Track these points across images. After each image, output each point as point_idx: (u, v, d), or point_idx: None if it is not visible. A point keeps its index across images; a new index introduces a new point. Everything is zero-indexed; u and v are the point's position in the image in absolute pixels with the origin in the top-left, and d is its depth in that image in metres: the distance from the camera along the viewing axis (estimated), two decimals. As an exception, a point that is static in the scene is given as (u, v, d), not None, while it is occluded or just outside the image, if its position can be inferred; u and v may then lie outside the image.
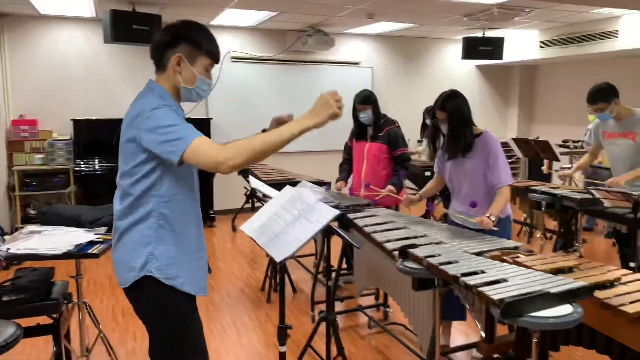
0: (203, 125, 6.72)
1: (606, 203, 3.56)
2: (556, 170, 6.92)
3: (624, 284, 1.86)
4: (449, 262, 1.84)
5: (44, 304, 2.64)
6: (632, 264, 3.26)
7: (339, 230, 2.50)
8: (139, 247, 1.75)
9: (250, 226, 2.25)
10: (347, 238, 2.46)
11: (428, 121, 6.19)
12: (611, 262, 4.90)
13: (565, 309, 1.45)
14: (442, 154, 3.01)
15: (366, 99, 3.87)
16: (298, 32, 7.20)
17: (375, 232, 2.80)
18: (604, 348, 1.75)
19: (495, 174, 2.78)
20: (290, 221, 2.06)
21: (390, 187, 3.76)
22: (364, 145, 3.99)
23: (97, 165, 6.20)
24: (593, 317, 1.73)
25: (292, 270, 4.49)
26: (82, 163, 6.15)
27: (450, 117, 2.78)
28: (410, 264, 1.91)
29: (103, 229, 2.96)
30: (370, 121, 3.91)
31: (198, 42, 1.77)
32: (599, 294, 1.71)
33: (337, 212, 1.95)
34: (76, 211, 3.13)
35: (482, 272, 1.73)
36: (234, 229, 6.49)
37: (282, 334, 2.15)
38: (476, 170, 2.86)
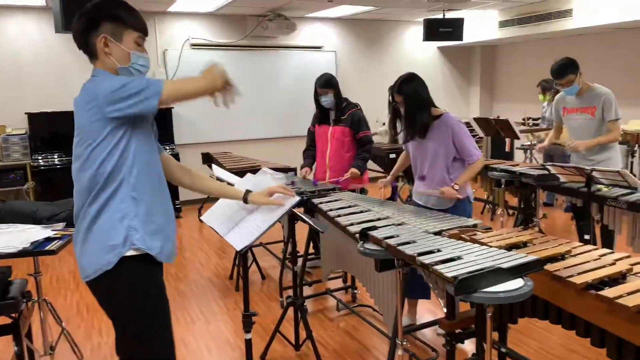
0: (164, 115, 6.60)
1: (562, 178, 3.68)
2: (518, 149, 7.10)
3: (574, 256, 1.93)
4: (407, 243, 1.87)
5: (1, 303, 2.57)
6: (586, 237, 3.38)
7: (303, 216, 2.51)
8: (115, 224, 1.69)
9: (211, 216, 2.23)
10: (311, 223, 2.47)
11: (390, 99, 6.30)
12: (570, 235, 5.09)
13: (516, 283, 1.50)
14: (404, 135, 3.07)
15: (327, 82, 3.88)
16: (259, 17, 7.10)
17: (339, 216, 2.82)
18: (556, 318, 1.81)
19: (465, 152, 2.89)
20: (251, 210, 2.05)
21: (352, 169, 3.80)
22: (328, 129, 4.00)
23: (56, 160, 6.02)
24: (545, 289, 1.79)
25: (261, 257, 4.49)
26: (40, 158, 5.96)
27: (407, 100, 2.83)
28: (370, 246, 1.93)
29: (60, 225, 2.89)
30: (332, 105, 3.92)
31: (119, 17, 1.70)
32: (549, 266, 1.78)
33: (297, 198, 1.96)
34: (32, 207, 3.02)
35: (438, 250, 1.77)
36: (200, 219, 6.43)
37: (247, 321, 2.15)
38: (436, 151, 2.92)
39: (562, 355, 2.92)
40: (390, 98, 6.61)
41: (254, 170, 4.31)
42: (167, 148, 6.56)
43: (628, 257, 1.92)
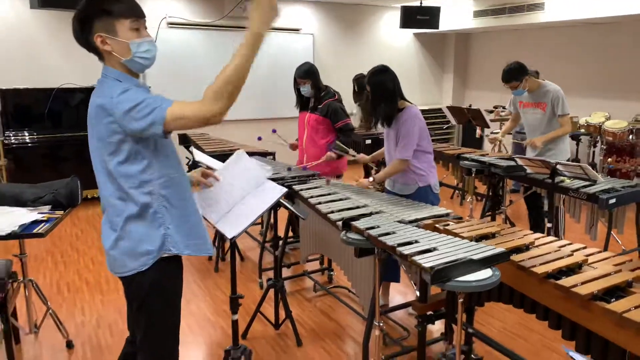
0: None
1: (528, 170, 3.90)
2: (486, 135, 7.35)
3: (537, 247, 2.12)
4: (387, 234, 2.02)
5: (-13, 284, 2.62)
6: (548, 225, 3.62)
7: (286, 203, 2.64)
8: (150, 232, 1.73)
9: (199, 204, 2.33)
10: (293, 210, 2.60)
11: (356, 87, 6.43)
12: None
13: (485, 273, 1.67)
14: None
15: (306, 72, 3.95)
16: (237, -3, 7.07)
17: (319, 203, 2.96)
18: (519, 303, 2.01)
19: (398, 147, 3.08)
20: (239, 198, 2.16)
21: (329, 153, 3.89)
22: (305, 115, 4.11)
23: (27, 137, 5.94)
24: (511, 277, 1.98)
25: (239, 239, 4.59)
26: (11, 135, 5.87)
27: (372, 90, 3.05)
28: (352, 235, 2.07)
29: (46, 208, 2.93)
30: (311, 94, 4.02)
31: (105, 9, 1.65)
32: (515, 257, 1.96)
33: (285, 190, 2.07)
34: (15, 189, 3.04)
35: (416, 241, 1.93)
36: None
37: (234, 303, 2.28)
38: (395, 140, 3.12)
39: (522, 334, 3.16)
40: (356, 86, 6.83)
41: (233, 153, 4.40)
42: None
43: (584, 248, 2.13)
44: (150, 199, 1.72)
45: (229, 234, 2.00)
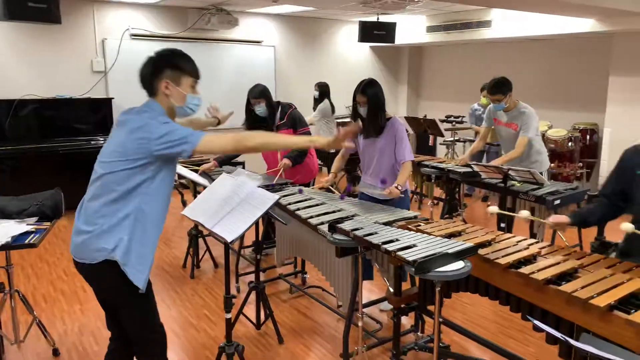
0: (104, 106, 6.57)
1: (483, 175, 4.28)
2: (441, 144, 7.79)
3: (498, 242, 2.44)
4: (371, 234, 2.27)
5: (-22, 295, 2.68)
6: (502, 224, 3.99)
7: (271, 212, 2.84)
8: (113, 232, 1.97)
9: (192, 211, 2.50)
10: (278, 217, 2.81)
11: (316, 94, 6.72)
12: (487, 222, 5.80)
13: (459, 264, 1.95)
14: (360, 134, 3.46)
15: (261, 93, 4.04)
16: (200, 9, 7.20)
17: (298, 209, 3.18)
18: (484, 291, 2.31)
19: (400, 152, 3.32)
20: (235, 206, 2.36)
21: (285, 161, 4.06)
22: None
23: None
24: (477, 268, 2.27)
25: (212, 246, 4.74)
26: (-29, 147, 5.76)
27: (370, 101, 3.24)
28: (338, 237, 2.31)
29: (33, 219, 3.01)
30: (265, 113, 4.10)
31: (179, 66, 2.09)
32: (481, 251, 2.26)
33: (277, 197, 2.29)
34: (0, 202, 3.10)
35: (397, 239, 2.19)
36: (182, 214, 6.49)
37: (228, 302, 2.46)
38: (385, 148, 3.36)
39: (482, 324, 3.50)
40: (316, 91, 6.99)
41: (202, 163, 4.53)
42: (103, 139, 6.54)
43: (537, 242, 2.46)
44: (134, 204, 1.99)
45: (229, 238, 2.19)
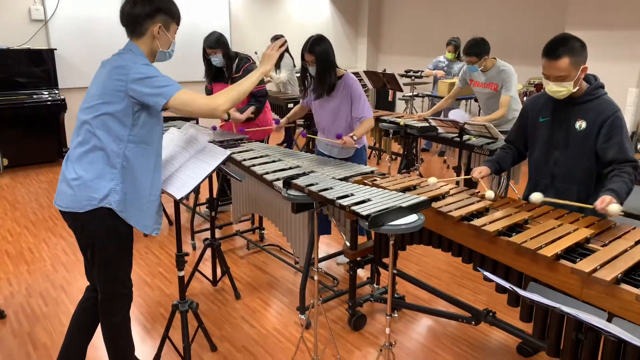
0: (46, 57, 6.16)
1: (440, 129, 4.29)
2: (400, 99, 7.78)
3: (451, 195, 2.45)
4: (326, 189, 2.23)
5: None
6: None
7: (224, 168, 2.76)
8: (101, 182, 1.96)
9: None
10: (231, 174, 2.73)
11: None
12: (443, 176, 5.89)
13: (412, 218, 1.94)
14: (310, 93, 3.34)
15: (217, 42, 3.85)
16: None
17: (254, 165, 3.11)
18: (437, 243, 2.33)
19: (359, 109, 3.19)
20: (185, 162, 2.26)
21: (235, 115, 3.92)
22: (225, 86, 4.07)
23: None
24: (430, 221, 2.29)
25: (165, 203, 4.63)
26: None
27: (318, 60, 3.08)
28: (293, 192, 2.26)
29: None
30: (222, 63, 3.95)
31: (171, 11, 2.07)
32: (434, 204, 2.27)
33: (228, 152, 2.20)
34: None
35: (352, 194, 2.16)
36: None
37: (180, 260, 2.40)
38: (338, 108, 3.25)
39: (436, 274, 3.59)
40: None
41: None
42: (47, 93, 6.17)
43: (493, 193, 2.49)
44: (118, 149, 1.97)
45: (177, 195, 2.11)
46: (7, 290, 3.31)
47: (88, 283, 2.29)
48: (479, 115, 4.43)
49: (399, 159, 5.93)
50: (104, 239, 2.03)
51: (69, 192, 1.98)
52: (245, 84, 2.11)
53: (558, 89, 2.23)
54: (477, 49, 4.01)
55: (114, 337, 2.22)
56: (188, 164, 2.26)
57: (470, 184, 3.58)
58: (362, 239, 2.89)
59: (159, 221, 2.17)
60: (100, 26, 6.68)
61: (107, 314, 2.17)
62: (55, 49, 6.27)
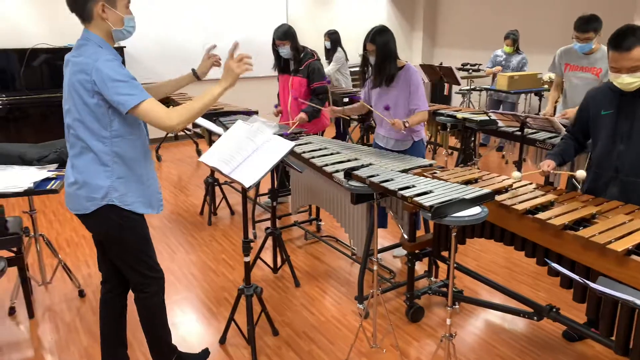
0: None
1: (500, 123, 4.22)
2: (457, 93, 7.64)
3: (515, 189, 2.44)
4: (387, 180, 2.28)
5: (5, 238, 2.77)
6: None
7: (286, 159, 2.85)
8: (98, 182, 1.99)
9: (210, 158, 2.52)
10: (293, 165, 2.83)
11: (327, 44, 6.51)
12: (501, 171, 5.78)
13: (475, 210, 1.96)
14: (369, 83, 3.39)
15: (285, 34, 3.97)
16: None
17: (313, 157, 3.19)
18: (499, 237, 2.33)
19: (414, 100, 3.21)
20: (252, 152, 2.37)
21: (301, 115, 4.04)
22: (288, 78, 4.18)
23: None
24: (493, 214, 2.29)
25: (228, 194, 4.81)
26: (-14, 96, 5.78)
27: (379, 50, 3.13)
28: (354, 183, 2.32)
29: (53, 166, 3.06)
30: (290, 55, 4.06)
31: None
32: (498, 197, 2.26)
33: (293, 144, 2.29)
34: (19, 149, 3.14)
35: (413, 186, 2.20)
36: (158, 158, 6.56)
37: (247, 246, 2.52)
38: (398, 98, 3.28)
39: (494, 269, 3.55)
40: (327, 41, 6.77)
41: (218, 113, 4.54)
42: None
43: (554, 189, 2.45)
44: (105, 148, 1.98)
45: (246, 183, 2.21)
46: (85, 272, 3.56)
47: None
48: (545, 109, 4.09)
49: (455, 153, 5.85)
50: (117, 234, 2.08)
51: (73, 196, 2.03)
52: (205, 100, 2.02)
53: (632, 80, 2.17)
54: (595, 24, 3.54)
55: (149, 316, 2.29)
56: (255, 154, 2.37)
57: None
58: (418, 233, 2.91)
59: (160, 198, 2.22)
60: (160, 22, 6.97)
61: (142, 297, 2.25)
62: (124, 47, 6.60)
